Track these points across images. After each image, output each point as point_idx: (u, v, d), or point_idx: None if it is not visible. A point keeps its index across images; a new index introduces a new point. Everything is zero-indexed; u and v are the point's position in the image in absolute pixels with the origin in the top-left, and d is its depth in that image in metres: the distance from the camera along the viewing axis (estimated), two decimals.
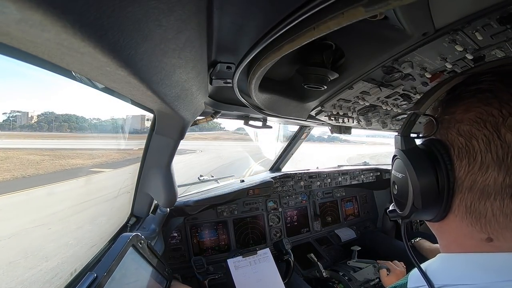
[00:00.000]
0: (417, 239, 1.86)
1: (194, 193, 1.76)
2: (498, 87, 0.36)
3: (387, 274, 1.54)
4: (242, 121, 1.32)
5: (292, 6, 0.39)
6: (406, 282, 0.50)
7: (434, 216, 0.43)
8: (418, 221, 2.42)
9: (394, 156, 0.48)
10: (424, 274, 0.44)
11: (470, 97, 0.39)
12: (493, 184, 0.35)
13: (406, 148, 0.43)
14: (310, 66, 0.73)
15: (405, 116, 1.39)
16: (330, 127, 1.54)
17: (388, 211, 0.54)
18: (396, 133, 0.47)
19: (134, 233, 0.80)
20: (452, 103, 0.42)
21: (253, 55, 0.54)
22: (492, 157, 0.35)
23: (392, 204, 0.53)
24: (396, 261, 1.62)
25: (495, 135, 0.34)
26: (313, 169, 2.40)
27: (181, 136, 1.01)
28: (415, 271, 0.48)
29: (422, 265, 0.47)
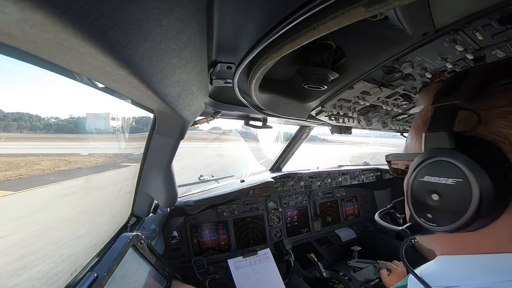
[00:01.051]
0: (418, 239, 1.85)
1: (194, 193, 1.76)
2: None
3: (388, 274, 1.54)
4: (242, 121, 1.32)
5: (293, 6, 0.39)
6: (406, 284, 0.50)
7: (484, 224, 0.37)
8: None
9: (427, 159, 0.39)
10: (419, 278, 0.44)
11: None
12: None
13: (458, 146, 0.37)
14: (310, 66, 0.73)
15: (406, 115, 1.39)
16: (330, 127, 1.54)
17: (407, 228, 0.44)
18: (426, 131, 0.41)
19: (134, 233, 0.80)
20: (485, 96, 0.38)
21: (253, 55, 0.54)
22: None
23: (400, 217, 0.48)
24: (396, 261, 1.62)
25: None
26: (313, 169, 2.40)
27: (181, 136, 1.02)
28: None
29: (420, 268, 0.47)
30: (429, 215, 0.40)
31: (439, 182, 0.38)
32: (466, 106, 0.38)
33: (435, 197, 0.38)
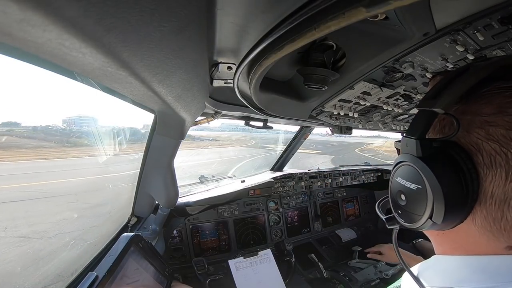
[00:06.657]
0: (419, 240, 1.85)
1: (194, 193, 1.76)
2: None
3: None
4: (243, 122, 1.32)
5: (293, 7, 0.39)
6: (400, 286, 0.50)
7: (447, 227, 0.38)
8: None
9: (401, 162, 0.41)
10: (414, 277, 0.43)
11: (508, 96, 0.33)
12: None
13: (424, 154, 0.37)
14: (311, 67, 0.73)
15: (406, 116, 1.38)
16: (331, 127, 1.54)
17: (385, 218, 0.49)
18: (404, 134, 0.41)
19: (135, 233, 0.81)
20: (476, 100, 0.36)
21: (253, 55, 0.54)
22: None
23: (387, 211, 0.49)
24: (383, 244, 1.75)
25: None
26: (314, 169, 2.40)
27: (181, 136, 1.02)
28: (408, 273, 0.47)
29: (417, 266, 0.46)
30: (399, 211, 0.43)
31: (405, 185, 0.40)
32: (447, 111, 0.37)
33: (403, 197, 0.41)
